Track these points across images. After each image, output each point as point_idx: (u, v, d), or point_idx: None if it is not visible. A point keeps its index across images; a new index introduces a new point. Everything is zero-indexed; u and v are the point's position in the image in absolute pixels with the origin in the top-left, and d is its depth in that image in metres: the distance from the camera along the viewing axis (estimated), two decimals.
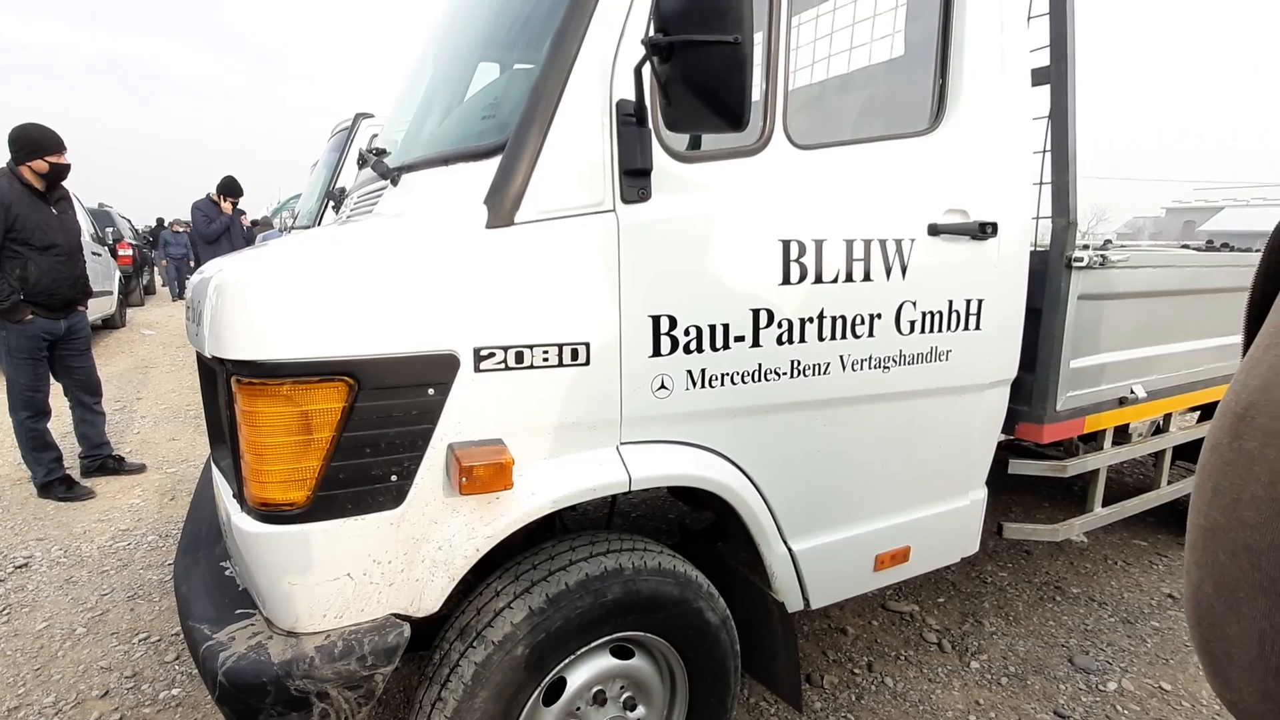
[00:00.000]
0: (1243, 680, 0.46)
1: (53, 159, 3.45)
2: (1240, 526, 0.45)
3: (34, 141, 3.41)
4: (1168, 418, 2.53)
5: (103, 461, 4.06)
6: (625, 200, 1.35)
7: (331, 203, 2.41)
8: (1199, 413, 2.68)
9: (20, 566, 2.98)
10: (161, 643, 2.47)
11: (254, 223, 9.37)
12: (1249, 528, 0.45)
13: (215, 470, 1.62)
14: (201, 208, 6.47)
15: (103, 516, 3.55)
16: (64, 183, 3.64)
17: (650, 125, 1.33)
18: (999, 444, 2.02)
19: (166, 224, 16.12)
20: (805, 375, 1.58)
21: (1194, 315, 2.36)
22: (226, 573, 1.52)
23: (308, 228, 5.18)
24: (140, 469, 4.20)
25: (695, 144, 1.52)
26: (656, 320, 1.40)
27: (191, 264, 15.05)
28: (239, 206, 6.66)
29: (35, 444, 3.68)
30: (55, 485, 3.73)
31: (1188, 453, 2.79)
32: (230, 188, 6.51)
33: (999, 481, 2.10)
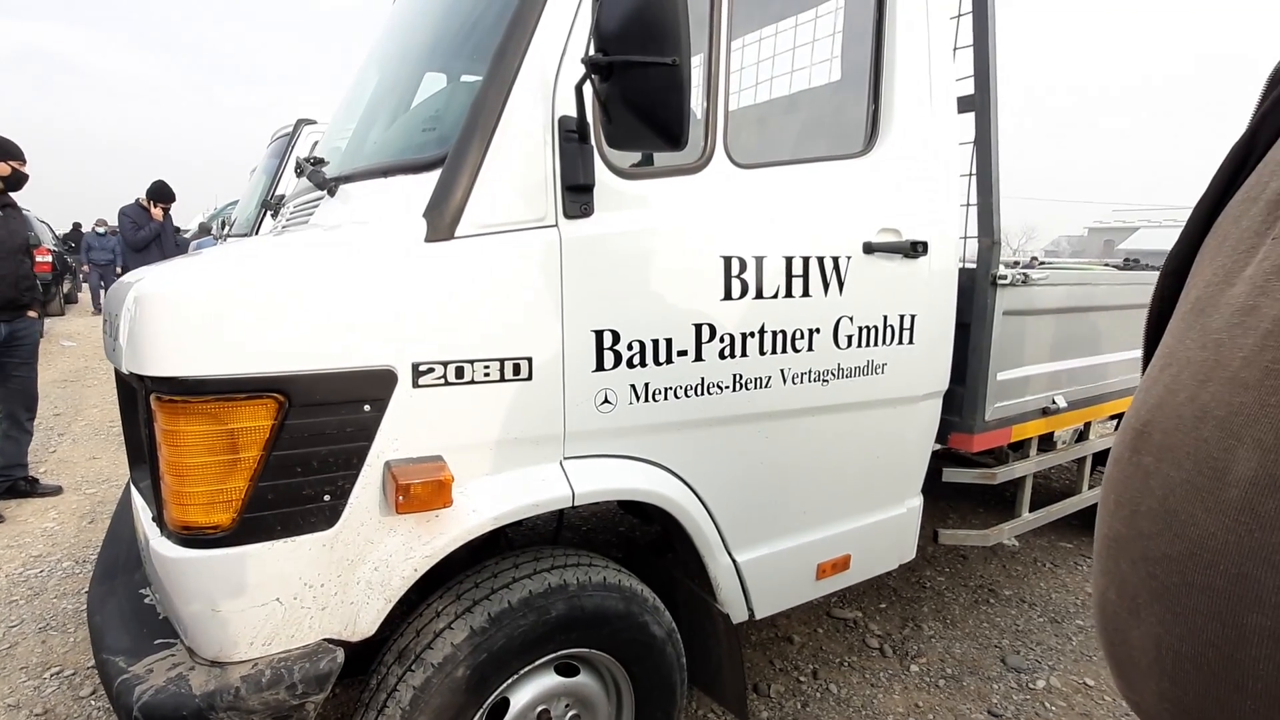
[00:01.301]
0: (1142, 682, 0.49)
1: (15, 164, 3.53)
2: (1139, 537, 0.48)
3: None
4: (1088, 426, 2.68)
5: (14, 483, 3.79)
6: (568, 215, 1.35)
7: (270, 211, 2.34)
8: (1116, 421, 2.85)
9: None
10: (76, 677, 2.31)
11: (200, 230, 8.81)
12: (1146, 538, 0.47)
13: (134, 492, 1.54)
14: (130, 214, 6.13)
15: (13, 542, 3.30)
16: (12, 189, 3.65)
17: (592, 142, 1.34)
18: (935, 453, 2.11)
19: (89, 226, 14.18)
20: (747, 389, 1.61)
21: (1108, 329, 2.52)
22: (146, 600, 1.43)
23: (245, 236, 4.99)
24: (56, 491, 3.93)
25: (649, 160, 1.54)
26: (600, 335, 1.40)
27: (118, 271, 13.79)
28: (202, 218, 6.32)
29: None
30: None
31: (1105, 459, 2.95)
32: (161, 193, 6.20)
33: (936, 490, 2.18)
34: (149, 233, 6.07)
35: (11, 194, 3.61)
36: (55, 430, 5.24)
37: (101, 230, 13.12)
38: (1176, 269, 0.58)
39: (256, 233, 4.78)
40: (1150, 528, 0.47)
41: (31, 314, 3.68)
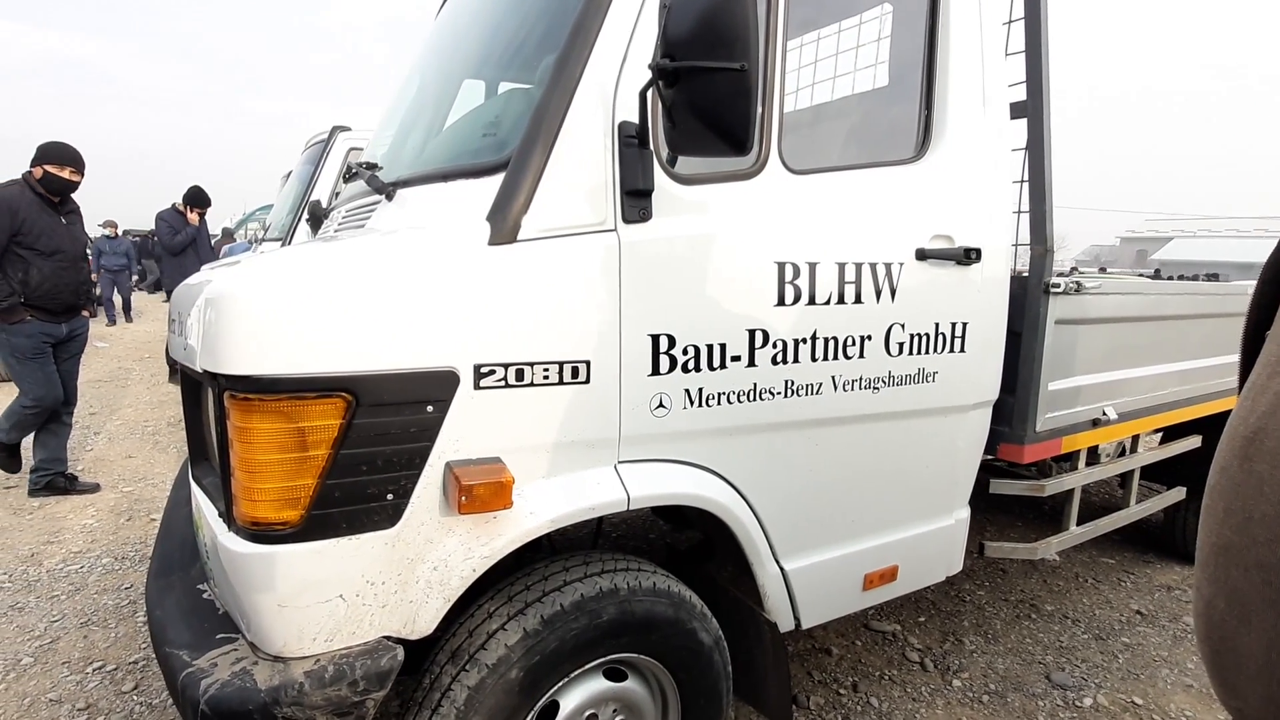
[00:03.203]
0: (1249, 688, 0.48)
1: (52, 169, 3.57)
2: (1252, 544, 0.47)
3: (41, 151, 3.61)
4: (1135, 439, 2.62)
5: (51, 479, 3.88)
6: (626, 220, 1.36)
7: (307, 215, 2.37)
8: (1162, 434, 2.79)
9: None
10: (118, 671, 2.34)
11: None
12: (1260, 545, 0.47)
13: (196, 488, 1.56)
14: (167, 218, 6.28)
15: (53, 538, 3.37)
16: (74, 196, 3.79)
17: (652, 147, 1.34)
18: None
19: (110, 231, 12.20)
20: (799, 395, 1.60)
21: (1159, 340, 2.47)
22: (204, 595, 1.45)
23: (279, 240, 5.07)
24: (94, 488, 4.01)
25: (673, 163, 1.54)
26: (656, 339, 1.40)
27: (134, 277, 12.70)
28: (228, 223, 6.38)
29: (12, 420, 3.79)
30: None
31: (1151, 472, 2.90)
32: (197, 198, 6.34)
33: (972, 501, 2.14)
34: (185, 237, 6.20)
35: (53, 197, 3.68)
36: (91, 429, 5.35)
37: (111, 234, 11.85)
38: (1275, 277, 0.58)
39: (291, 238, 4.86)
40: (1265, 534, 0.47)
41: (85, 313, 3.92)
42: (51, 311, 3.66)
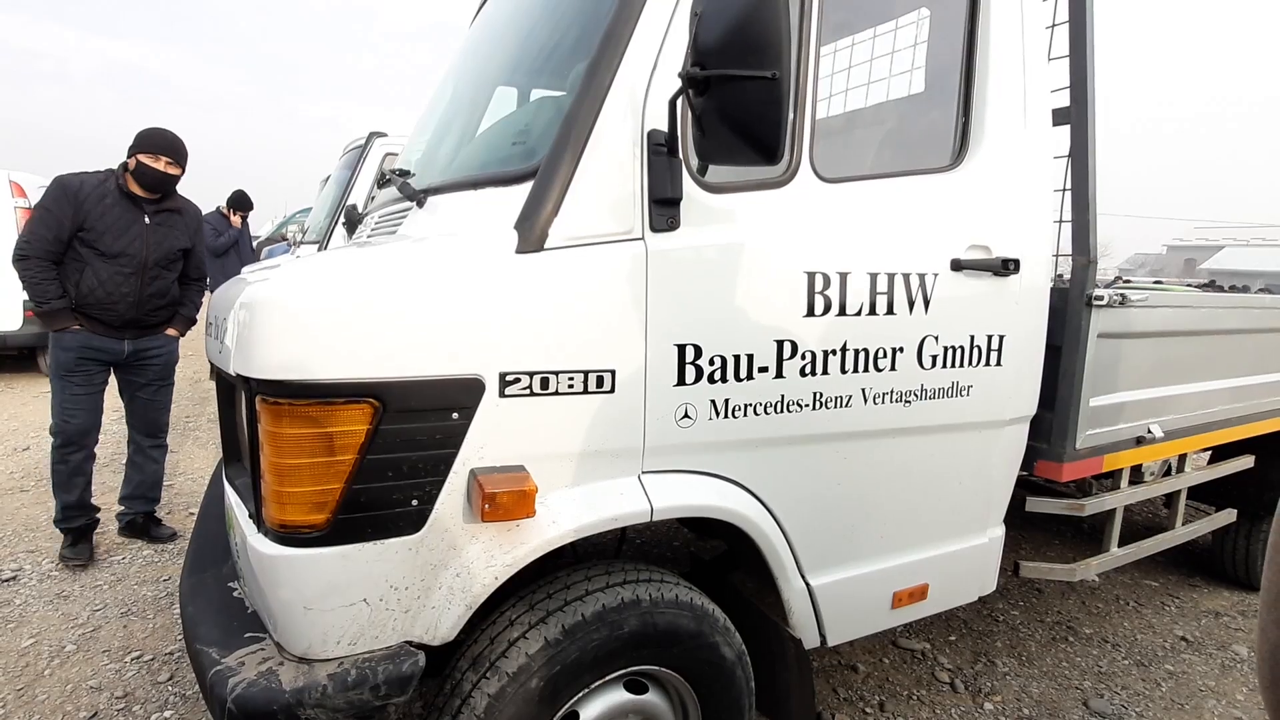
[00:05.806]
0: None
1: (145, 158, 3.00)
2: None
3: (136, 139, 3.06)
4: (1181, 458, 2.51)
5: (131, 518, 3.38)
6: (654, 228, 1.35)
7: (344, 219, 2.41)
8: (1210, 453, 2.67)
9: (7, 580, 2.90)
10: (155, 662, 2.40)
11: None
12: None
13: (228, 488, 1.60)
14: (211, 221, 6.47)
15: (99, 529, 3.48)
16: (171, 195, 3.16)
17: (681, 155, 1.33)
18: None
19: None
20: (827, 407, 1.57)
21: (1209, 356, 2.37)
22: (235, 594, 1.48)
23: (317, 243, 5.19)
24: (171, 536, 3.48)
25: (700, 172, 1.53)
26: (682, 349, 1.39)
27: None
28: (270, 226, 6.49)
29: (58, 479, 3.08)
30: (65, 534, 3.21)
31: (1199, 493, 2.77)
32: (240, 201, 6.54)
33: (1007, 519, 2.07)
34: (228, 239, 6.40)
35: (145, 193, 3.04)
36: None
37: None
38: None
39: (327, 241, 4.97)
40: None
41: (171, 332, 3.28)
42: (107, 324, 3.03)
